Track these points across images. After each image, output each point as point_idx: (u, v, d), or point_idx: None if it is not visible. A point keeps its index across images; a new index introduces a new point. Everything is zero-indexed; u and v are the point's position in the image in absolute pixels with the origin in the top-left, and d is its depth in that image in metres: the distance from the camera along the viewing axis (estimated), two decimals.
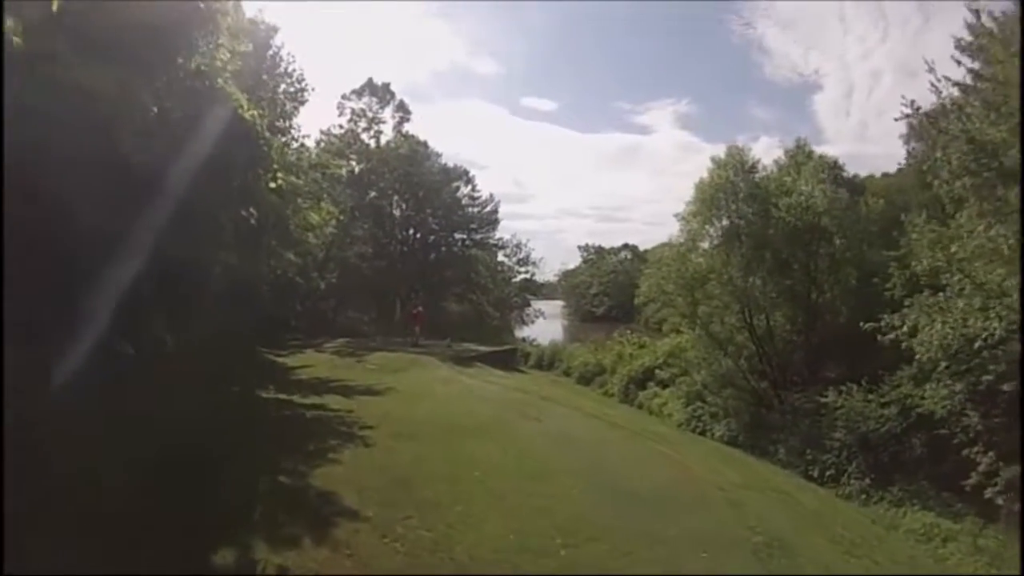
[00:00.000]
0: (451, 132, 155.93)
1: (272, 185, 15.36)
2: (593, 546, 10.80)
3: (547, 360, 41.74)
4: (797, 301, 26.21)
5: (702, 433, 26.49)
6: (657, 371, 32.75)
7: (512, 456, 15.19)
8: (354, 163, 47.46)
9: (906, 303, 19.33)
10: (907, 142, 49.94)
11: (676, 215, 29.47)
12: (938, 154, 17.00)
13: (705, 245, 28.20)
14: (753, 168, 28.01)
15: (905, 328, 18.07)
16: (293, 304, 41.08)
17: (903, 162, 37.56)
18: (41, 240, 9.98)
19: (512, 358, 36.79)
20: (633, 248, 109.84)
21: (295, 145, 25.47)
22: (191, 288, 15.30)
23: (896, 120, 18.95)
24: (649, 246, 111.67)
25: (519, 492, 12.95)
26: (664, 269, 28.49)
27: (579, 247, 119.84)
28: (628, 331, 43.68)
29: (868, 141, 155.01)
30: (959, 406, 17.91)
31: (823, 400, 22.19)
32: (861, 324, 19.32)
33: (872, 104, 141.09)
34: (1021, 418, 15.63)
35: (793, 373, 26.28)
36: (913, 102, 18.08)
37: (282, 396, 20.55)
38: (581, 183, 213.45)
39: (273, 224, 21.20)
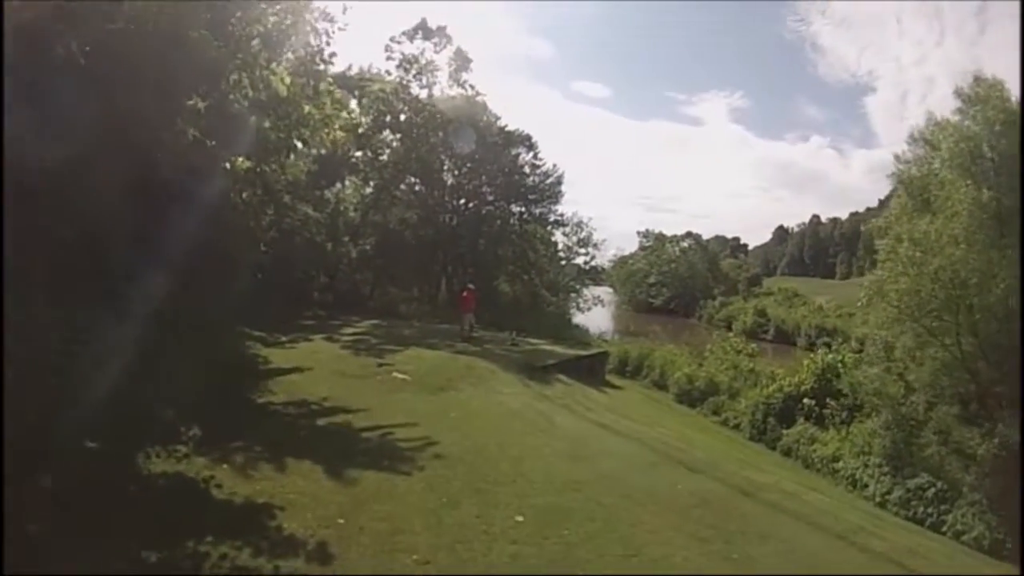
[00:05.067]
0: (499, 112, 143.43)
1: None
2: None
3: (631, 366, 28.54)
4: None
5: (935, 527, 14.85)
6: (805, 400, 19.94)
7: None
8: (402, 114, 34.73)
9: None
10: None
11: (892, 175, 17.52)
12: None
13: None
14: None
15: None
16: (316, 274, 28.99)
17: None
18: None
19: (600, 366, 23.58)
20: (696, 237, 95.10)
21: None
22: None
23: None
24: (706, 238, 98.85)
25: None
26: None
27: (638, 232, 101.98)
28: (731, 334, 31.11)
29: None
30: None
31: None
32: None
33: (926, 109, 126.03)
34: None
35: None
36: None
37: (185, 478, 8.05)
38: (629, 171, 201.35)
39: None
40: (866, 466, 17.16)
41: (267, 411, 11.41)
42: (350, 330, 21.80)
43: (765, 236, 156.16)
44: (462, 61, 37.22)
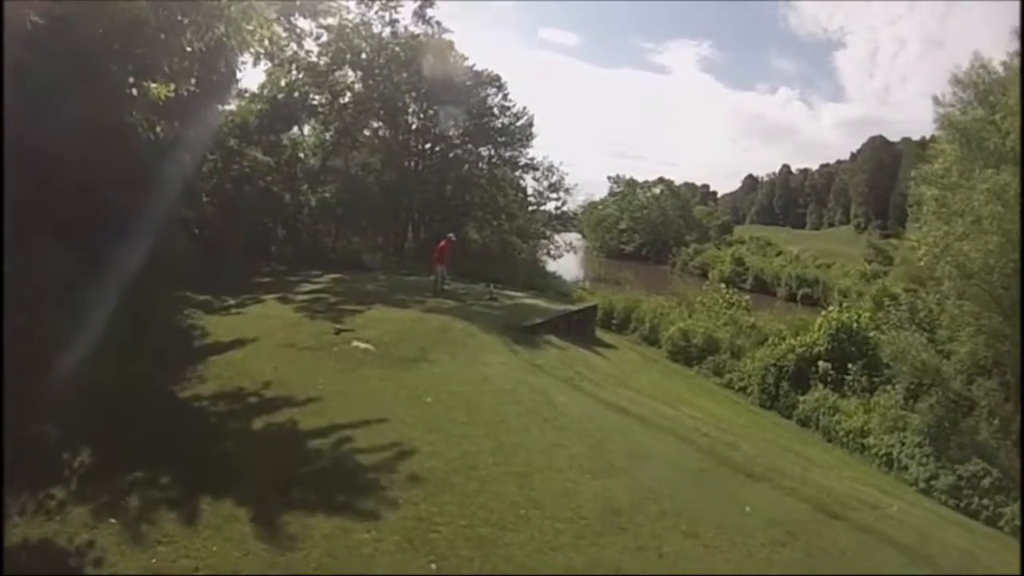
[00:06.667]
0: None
1: None
2: None
3: (618, 319, 25.84)
4: None
5: (991, 521, 12.94)
6: (820, 363, 17.64)
7: None
8: (363, 52, 30.66)
9: None
10: None
11: (936, 119, 16.85)
12: None
13: None
14: None
15: None
16: (272, 226, 25.50)
17: None
18: None
19: (589, 321, 20.62)
20: (668, 183, 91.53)
21: None
22: None
23: None
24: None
25: None
26: None
27: (608, 177, 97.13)
28: (723, 285, 28.95)
29: (891, 105, 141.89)
30: None
31: None
32: None
33: (896, 69, 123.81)
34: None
35: None
36: None
37: (53, 548, 5.13)
38: (597, 119, 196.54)
39: None
40: (903, 444, 15.03)
41: (189, 410, 8.44)
42: (308, 287, 18.64)
43: (733, 185, 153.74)
44: None
